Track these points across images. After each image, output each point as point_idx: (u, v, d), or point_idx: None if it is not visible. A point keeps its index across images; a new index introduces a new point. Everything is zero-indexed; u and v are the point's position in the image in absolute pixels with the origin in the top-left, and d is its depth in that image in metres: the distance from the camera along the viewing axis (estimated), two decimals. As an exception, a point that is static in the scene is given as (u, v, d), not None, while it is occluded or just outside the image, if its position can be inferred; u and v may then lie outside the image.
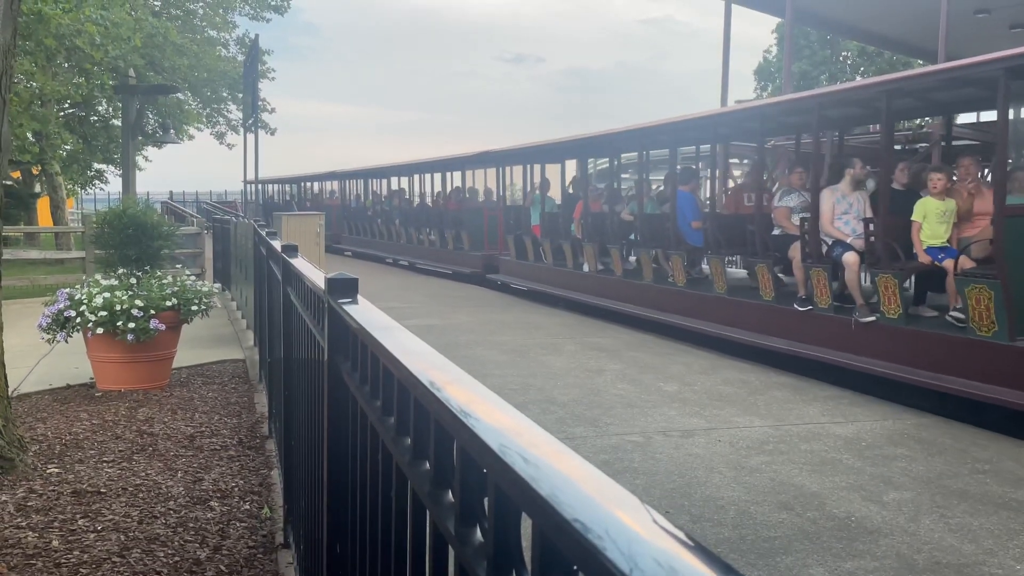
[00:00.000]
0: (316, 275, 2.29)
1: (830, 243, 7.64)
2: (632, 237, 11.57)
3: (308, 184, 31.90)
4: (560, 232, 13.04)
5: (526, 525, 0.66)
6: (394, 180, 22.79)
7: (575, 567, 0.53)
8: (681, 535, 0.49)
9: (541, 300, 12.69)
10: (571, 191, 14.56)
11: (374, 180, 24.51)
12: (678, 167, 11.16)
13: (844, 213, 7.69)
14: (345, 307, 1.62)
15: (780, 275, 9.01)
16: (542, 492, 0.59)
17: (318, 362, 2.07)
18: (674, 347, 8.65)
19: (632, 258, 11.87)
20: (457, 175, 19.44)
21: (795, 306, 7.91)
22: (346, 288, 1.73)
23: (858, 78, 28.10)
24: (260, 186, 34.73)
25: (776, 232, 8.57)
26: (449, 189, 19.67)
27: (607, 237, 11.59)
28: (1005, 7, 13.00)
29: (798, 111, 8.80)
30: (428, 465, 1.02)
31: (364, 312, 1.52)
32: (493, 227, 16.38)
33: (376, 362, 1.33)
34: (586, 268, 11.96)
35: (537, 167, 15.25)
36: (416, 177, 21.72)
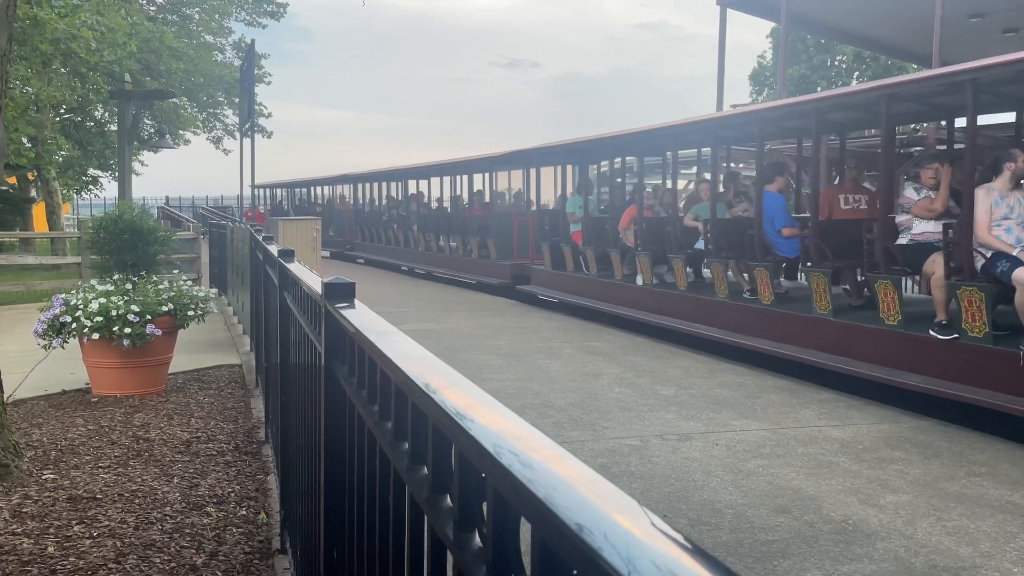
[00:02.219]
0: (313, 280, 2.28)
1: (988, 256, 6.18)
2: (698, 246, 9.96)
3: (317, 188, 30.35)
4: (607, 239, 11.60)
5: (525, 530, 0.66)
6: (411, 183, 21.38)
7: (574, 571, 0.53)
8: (680, 538, 0.49)
9: (582, 316, 11.40)
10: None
11: (389, 183, 23.02)
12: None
13: (1004, 218, 6.27)
14: (342, 312, 1.61)
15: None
16: (540, 496, 0.58)
17: (315, 367, 2.07)
18: (670, 351, 8.65)
19: (690, 270, 10.29)
20: (479, 178, 18.01)
21: (932, 333, 6.42)
22: (343, 293, 1.73)
23: (854, 82, 28.20)
24: (267, 190, 34.39)
25: (904, 241, 7.10)
26: (471, 193, 18.23)
27: (668, 246, 10.19)
28: (999, 11, 13.07)
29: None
30: (426, 470, 1.02)
31: (361, 317, 1.52)
32: (523, 234, 14.89)
33: (373, 367, 1.32)
34: (639, 281, 10.60)
35: (563, 168, 14.18)
36: (435, 180, 20.16)
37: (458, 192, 18.81)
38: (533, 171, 15.29)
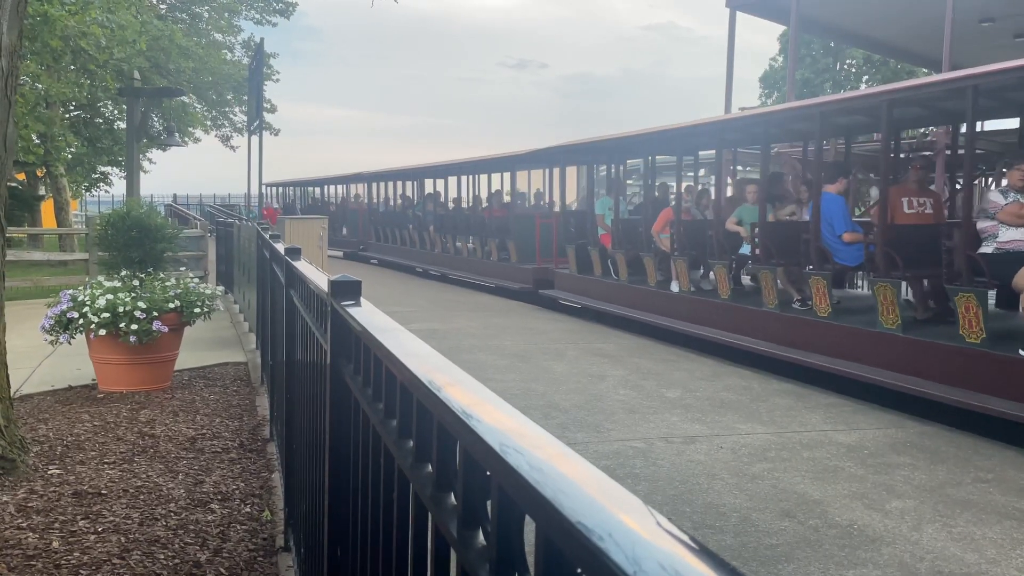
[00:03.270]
0: (319, 278, 2.29)
1: None
2: (743, 251, 9.28)
3: (330, 187, 29.63)
4: (639, 243, 10.96)
5: (529, 528, 0.66)
6: (428, 183, 20.56)
7: (579, 570, 0.52)
8: (685, 538, 0.49)
9: (611, 323, 10.80)
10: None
11: (405, 182, 22.18)
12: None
13: None
14: (348, 309, 1.61)
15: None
16: (545, 494, 0.58)
17: (320, 365, 2.07)
18: (676, 353, 8.63)
19: (712, 275, 9.73)
20: (497, 177, 17.24)
21: None
22: (349, 290, 1.73)
23: (862, 86, 28.13)
24: (278, 189, 34.31)
25: (988, 250, 6.50)
26: (490, 193, 17.48)
27: (707, 250, 9.58)
28: (1010, 16, 13.01)
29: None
30: (430, 468, 1.02)
31: (367, 314, 1.52)
32: (546, 236, 14.24)
33: (379, 364, 1.32)
34: (675, 288, 9.93)
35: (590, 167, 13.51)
36: (452, 180, 19.32)
37: (478, 192, 18.04)
38: (557, 170, 14.45)
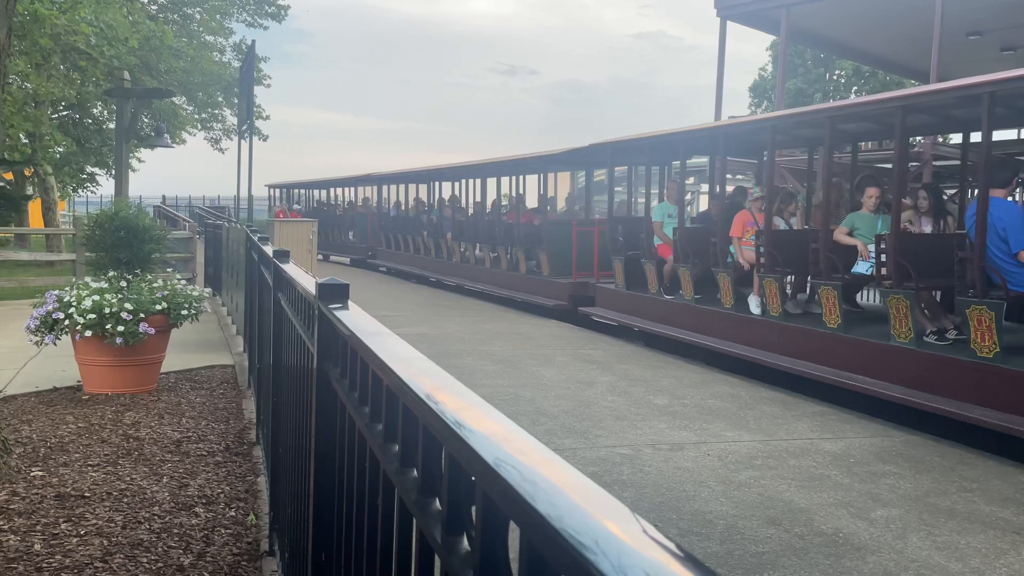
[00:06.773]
0: (307, 281, 2.28)
1: None
2: (858, 269, 7.65)
3: (336, 189, 27.26)
4: (710, 256, 9.23)
5: (514, 535, 0.66)
6: (446, 186, 18.58)
7: (563, 577, 0.52)
8: (671, 546, 0.49)
9: (663, 347, 9.42)
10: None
11: (419, 185, 20.15)
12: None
13: None
14: (336, 313, 1.61)
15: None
16: (531, 501, 0.58)
17: (307, 368, 2.06)
18: (664, 360, 8.65)
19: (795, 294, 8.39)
20: (525, 180, 15.41)
21: None
22: (337, 294, 1.72)
23: (852, 96, 28.33)
24: (281, 191, 33.80)
25: None
26: (518, 196, 15.67)
27: (805, 266, 7.98)
28: (996, 30, 13.15)
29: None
30: (416, 472, 1.01)
31: (355, 318, 1.51)
32: (584, 246, 12.55)
33: (366, 368, 1.32)
34: (757, 310, 8.40)
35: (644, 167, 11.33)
36: (472, 183, 17.43)
37: (504, 194, 16.43)
38: (593, 172, 13.12)
